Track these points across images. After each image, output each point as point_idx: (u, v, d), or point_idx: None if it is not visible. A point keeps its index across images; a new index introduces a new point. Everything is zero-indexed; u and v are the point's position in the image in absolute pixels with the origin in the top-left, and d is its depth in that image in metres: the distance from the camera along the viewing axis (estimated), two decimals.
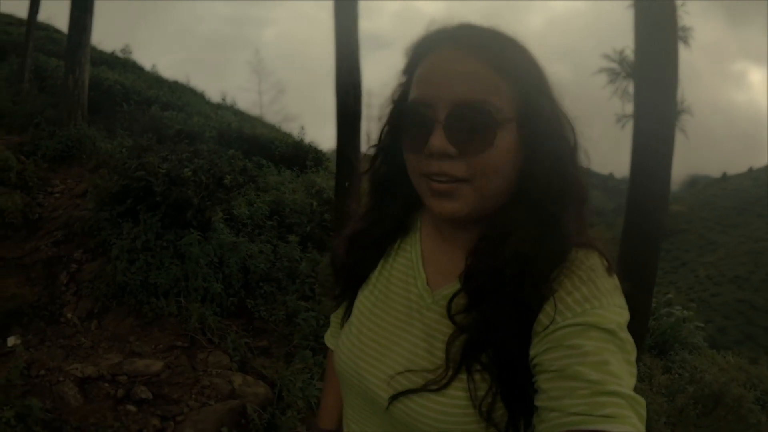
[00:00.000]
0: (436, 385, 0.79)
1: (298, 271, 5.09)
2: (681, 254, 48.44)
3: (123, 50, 16.92)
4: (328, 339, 1.20)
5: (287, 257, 5.20)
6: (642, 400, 0.67)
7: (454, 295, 0.83)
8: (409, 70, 0.87)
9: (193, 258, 4.59)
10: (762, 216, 50.51)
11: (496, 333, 0.77)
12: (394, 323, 0.91)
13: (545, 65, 0.83)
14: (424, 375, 0.82)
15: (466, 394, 0.78)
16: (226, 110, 14.03)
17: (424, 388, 0.80)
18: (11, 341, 3.80)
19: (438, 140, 0.77)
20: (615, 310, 0.73)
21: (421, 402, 0.80)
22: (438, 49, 0.81)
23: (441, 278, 0.90)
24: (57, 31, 15.38)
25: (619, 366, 0.68)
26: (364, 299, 0.98)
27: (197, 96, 15.02)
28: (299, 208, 6.12)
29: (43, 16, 13.67)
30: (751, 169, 73.41)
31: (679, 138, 5.25)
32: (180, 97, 12.04)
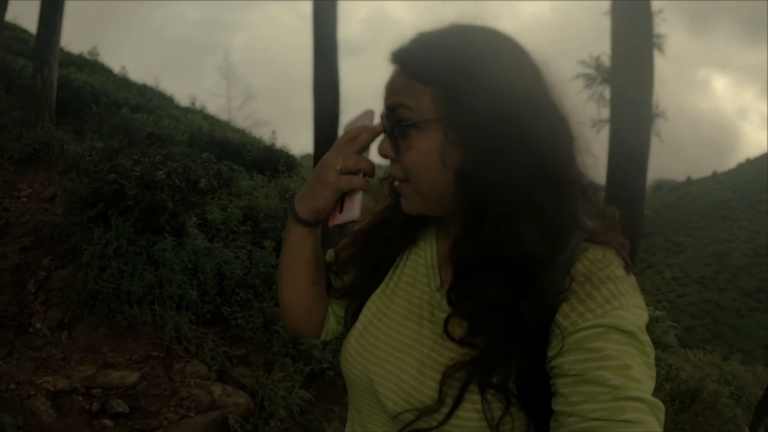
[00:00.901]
0: (441, 416, 0.78)
1: (275, 277, 5.00)
2: (647, 257, 49.29)
3: (90, 52, 16.66)
4: None
5: (263, 263, 5.11)
6: (661, 405, 0.66)
7: (449, 317, 0.82)
8: None
9: (167, 264, 4.45)
10: (726, 218, 51.90)
11: (507, 358, 0.76)
12: (405, 324, 0.89)
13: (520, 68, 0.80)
14: (432, 389, 0.81)
15: (480, 415, 0.76)
16: (195, 114, 13.90)
17: (428, 421, 0.79)
18: None
19: (382, 145, 0.86)
20: (635, 311, 0.72)
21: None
22: (393, 66, 0.85)
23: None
24: (24, 31, 15.04)
25: (639, 370, 0.67)
26: (375, 299, 0.95)
27: (166, 99, 14.86)
28: (273, 213, 6.04)
29: (10, 16, 13.30)
30: (715, 173, 75.14)
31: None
32: (150, 100, 11.85)
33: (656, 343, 6.94)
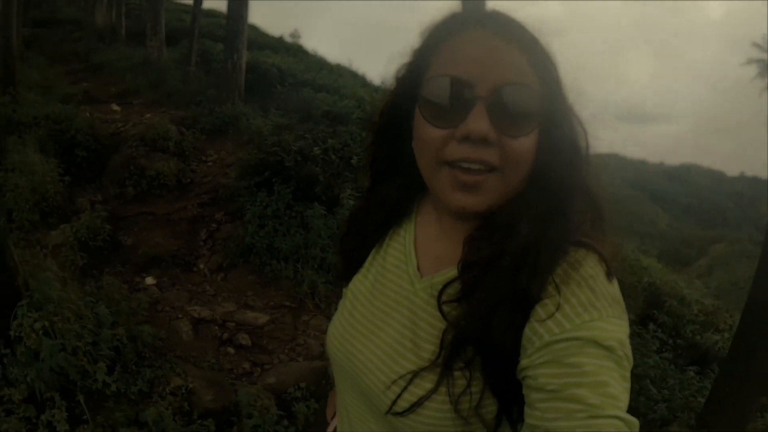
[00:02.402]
0: (431, 384, 0.76)
1: None
2: None
3: (292, 35, 18.08)
4: None
5: None
6: (636, 422, 0.64)
7: (447, 284, 0.79)
8: (426, 50, 0.82)
9: (316, 229, 4.95)
10: None
11: (489, 326, 0.72)
12: (382, 308, 0.90)
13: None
14: (412, 372, 0.79)
15: (445, 389, 0.75)
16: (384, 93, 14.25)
17: (419, 401, 0.77)
18: (148, 280, 4.49)
19: (479, 121, 0.72)
20: (614, 323, 0.68)
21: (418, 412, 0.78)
22: (469, 31, 0.77)
23: (432, 265, 0.87)
24: (225, 17, 16.59)
25: (617, 386, 0.64)
26: (358, 283, 0.97)
27: (357, 79, 15.43)
28: None
29: (214, 5, 14.89)
30: None
31: None
32: (337, 79, 12.49)
33: None
